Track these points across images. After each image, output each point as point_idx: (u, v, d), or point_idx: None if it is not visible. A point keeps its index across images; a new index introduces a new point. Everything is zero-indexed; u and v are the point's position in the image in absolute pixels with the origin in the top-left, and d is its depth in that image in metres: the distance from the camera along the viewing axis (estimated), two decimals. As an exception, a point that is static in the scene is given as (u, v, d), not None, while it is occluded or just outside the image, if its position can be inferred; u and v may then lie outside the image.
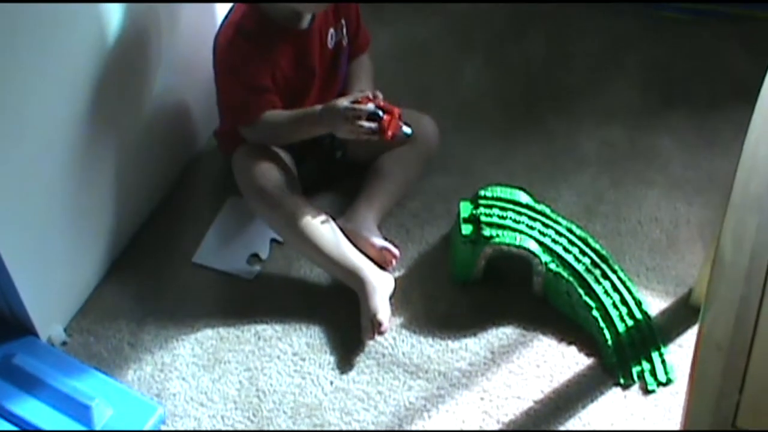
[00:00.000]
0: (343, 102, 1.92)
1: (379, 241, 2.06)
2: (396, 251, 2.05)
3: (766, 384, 1.25)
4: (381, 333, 1.94)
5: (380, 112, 1.90)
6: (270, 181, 2.00)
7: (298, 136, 2.04)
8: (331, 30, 2.08)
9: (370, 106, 1.91)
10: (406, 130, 1.96)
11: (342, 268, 2.00)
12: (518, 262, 1.97)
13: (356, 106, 1.91)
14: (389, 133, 1.91)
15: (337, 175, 2.22)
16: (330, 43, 2.09)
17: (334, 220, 2.04)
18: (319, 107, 1.96)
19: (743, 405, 1.21)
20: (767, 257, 1.37)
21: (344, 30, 2.12)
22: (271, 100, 2.00)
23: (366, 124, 1.89)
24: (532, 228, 1.99)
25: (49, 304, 1.92)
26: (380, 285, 1.98)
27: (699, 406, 1.23)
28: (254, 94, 1.99)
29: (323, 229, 2.00)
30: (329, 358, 1.94)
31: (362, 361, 1.94)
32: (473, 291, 2.04)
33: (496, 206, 2.02)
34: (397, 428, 1.84)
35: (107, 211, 2.02)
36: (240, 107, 2.01)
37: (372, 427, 1.85)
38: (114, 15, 1.85)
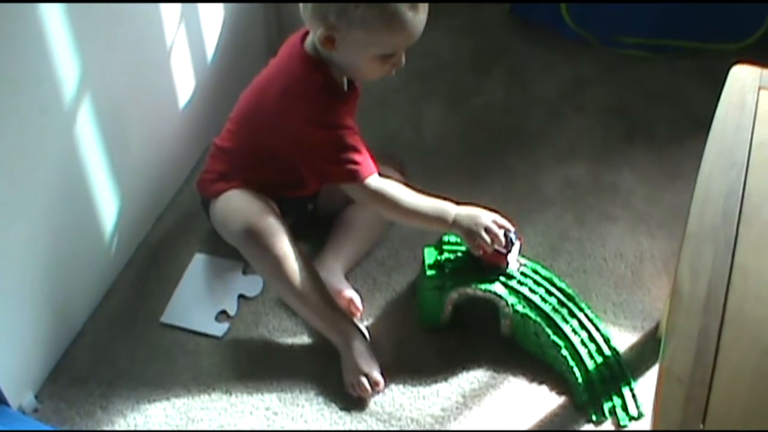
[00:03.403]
0: (488, 219, 1.93)
1: (347, 292, 2.07)
2: (360, 305, 2.06)
3: (728, 414, 1.26)
4: (378, 391, 1.94)
5: (517, 242, 1.92)
6: (261, 223, 1.98)
7: (412, 222, 2.04)
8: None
9: (512, 234, 1.92)
10: (513, 265, 1.98)
11: (326, 320, 2.00)
12: (485, 306, 1.98)
13: (497, 230, 1.91)
14: (505, 262, 1.93)
15: (306, 226, 2.22)
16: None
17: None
18: (455, 210, 1.95)
19: (706, 436, 1.22)
20: (724, 288, 1.39)
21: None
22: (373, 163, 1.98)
23: (487, 239, 1.91)
24: (496, 271, 2.01)
25: (18, 373, 1.91)
26: (362, 340, 1.98)
27: (663, 439, 1.24)
28: (363, 153, 1.97)
29: (310, 277, 2.00)
30: (301, 411, 1.93)
31: (335, 413, 1.93)
32: (442, 336, 2.04)
33: (460, 251, 2.02)
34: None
35: (73, 277, 2.01)
36: (357, 160, 1.95)
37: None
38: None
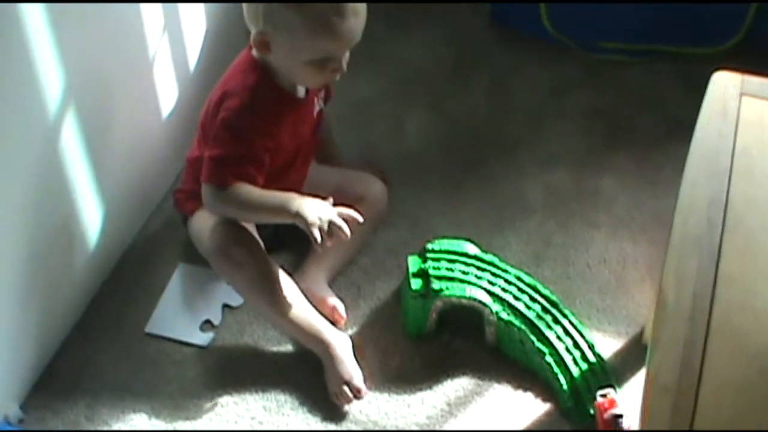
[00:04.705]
0: (332, 213, 1.87)
1: (331, 299, 2.08)
2: (344, 313, 2.07)
3: (715, 422, 1.27)
4: (360, 398, 1.94)
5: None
6: (235, 240, 1.98)
7: (260, 220, 2.02)
8: (315, 98, 2.08)
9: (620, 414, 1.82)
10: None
11: (306, 331, 1.99)
12: (469, 313, 1.98)
13: (341, 223, 1.86)
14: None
15: (289, 235, 2.22)
16: (314, 112, 2.08)
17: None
18: (298, 201, 1.88)
19: (693, 445, 1.23)
20: (709, 297, 1.39)
21: (323, 97, 2.13)
22: (254, 176, 1.90)
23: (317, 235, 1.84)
24: (480, 278, 2.01)
25: (3, 383, 1.91)
26: (345, 348, 1.98)
27: (650, 448, 1.25)
28: (244, 163, 1.90)
29: (288, 291, 1.99)
30: (287, 420, 1.93)
31: (319, 421, 1.93)
32: (426, 344, 2.04)
33: (443, 259, 2.03)
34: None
35: (57, 288, 2.01)
36: (221, 165, 1.90)
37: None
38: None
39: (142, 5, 2.07)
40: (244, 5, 1.86)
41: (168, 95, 2.27)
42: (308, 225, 1.84)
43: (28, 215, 1.84)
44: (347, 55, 1.90)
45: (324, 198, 1.90)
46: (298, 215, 1.85)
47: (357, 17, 1.82)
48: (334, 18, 1.79)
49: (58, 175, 1.91)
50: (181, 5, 2.24)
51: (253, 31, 1.86)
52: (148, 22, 2.11)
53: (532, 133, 2.57)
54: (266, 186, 1.93)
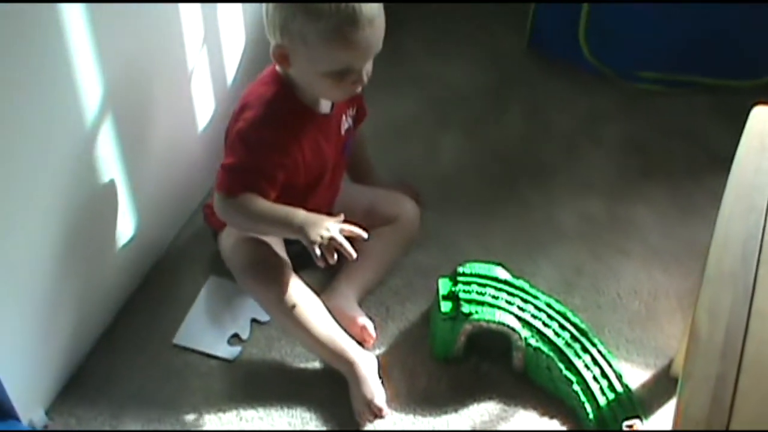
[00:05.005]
0: (334, 229, 1.85)
1: (361, 319, 2.07)
2: (373, 332, 2.06)
3: (744, 460, 1.26)
4: (381, 417, 1.94)
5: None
6: (261, 257, 1.99)
7: (266, 232, 2.01)
8: (344, 116, 2.07)
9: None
10: None
11: (331, 350, 1.98)
12: (498, 338, 1.98)
13: (342, 240, 1.84)
14: None
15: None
16: (343, 130, 2.07)
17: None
18: (302, 216, 1.88)
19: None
20: (742, 333, 1.38)
21: (353, 116, 2.12)
22: (264, 189, 1.90)
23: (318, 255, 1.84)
24: (510, 303, 2.00)
25: (30, 387, 1.91)
26: (369, 367, 1.97)
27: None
28: (254, 175, 1.90)
29: (314, 309, 2.00)
30: (311, 438, 1.94)
31: (344, 440, 1.93)
32: (454, 367, 2.04)
33: (474, 282, 2.03)
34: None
35: (86, 295, 2.02)
36: (232, 174, 1.90)
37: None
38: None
39: (183, 17, 2.08)
40: (264, 19, 1.86)
41: (205, 108, 2.27)
42: (309, 242, 1.84)
43: (61, 221, 1.85)
44: (369, 68, 1.87)
45: (348, 217, 1.90)
46: (300, 231, 1.85)
47: (372, 27, 1.79)
48: (347, 28, 1.76)
49: (93, 183, 1.92)
50: (221, 17, 2.24)
51: (273, 44, 1.86)
52: (187, 34, 2.12)
53: (567, 159, 2.56)
54: (293, 203, 1.92)
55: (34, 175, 1.73)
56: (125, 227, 2.08)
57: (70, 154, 1.82)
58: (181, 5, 2.06)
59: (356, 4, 1.75)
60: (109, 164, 1.95)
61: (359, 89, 1.89)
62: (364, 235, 1.89)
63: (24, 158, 1.68)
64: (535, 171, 2.53)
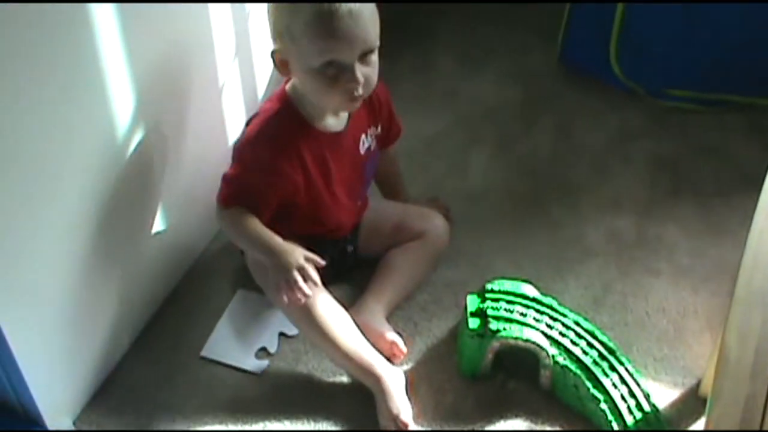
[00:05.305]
0: (299, 258, 1.89)
1: (390, 334, 2.07)
2: (404, 347, 2.06)
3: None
4: None
5: None
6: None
7: (246, 249, 2.06)
8: (363, 135, 2.07)
9: None
10: None
11: (358, 364, 1.99)
12: (526, 355, 1.97)
13: (310, 272, 1.88)
14: None
15: (347, 268, 2.22)
16: (362, 149, 2.08)
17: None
18: (274, 251, 1.90)
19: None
20: (772, 354, 1.38)
21: (377, 134, 2.12)
22: (258, 208, 1.94)
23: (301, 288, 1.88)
24: (539, 321, 2.00)
25: (57, 396, 1.93)
26: (396, 383, 1.97)
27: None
28: (245, 191, 1.94)
29: (341, 323, 2.00)
30: (337, 453, 1.94)
31: (371, 456, 1.93)
32: (481, 384, 2.03)
33: (503, 300, 2.02)
34: None
35: (116, 305, 2.03)
36: (226, 184, 1.96)
37: None
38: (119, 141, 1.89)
39: (215, 26, 2.09)
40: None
41: (235, 121, 2.28)
42: (279, 270, 1.88)
43: (91, 230, 1.87)
44: (368, 71, 1.87)
45: (377, 231, 1.93)
46: (271, 264, 1.89)
47: (353, 18, 1.79)
48: (326, 17, 1.78)
49: (124, 192, 1.93)
50: (251, 27, 2.26)
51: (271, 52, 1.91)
52: (219, 48, 2.13)
53: (596, 177, 2.56)
54: (304, 221, 1.99)
55: (65, 183, 1.74)
56: (155, 239, 2.09)
57: (102, 164, 1.84)
58: (213, 16, 2.08)
59: None
60: (140, 173, 1.97)
61: (358, 92, 1.87)
62: (322, 262, 1.91)
63: (55, 165, 1.70)
64: (564, 188, 2.52)
